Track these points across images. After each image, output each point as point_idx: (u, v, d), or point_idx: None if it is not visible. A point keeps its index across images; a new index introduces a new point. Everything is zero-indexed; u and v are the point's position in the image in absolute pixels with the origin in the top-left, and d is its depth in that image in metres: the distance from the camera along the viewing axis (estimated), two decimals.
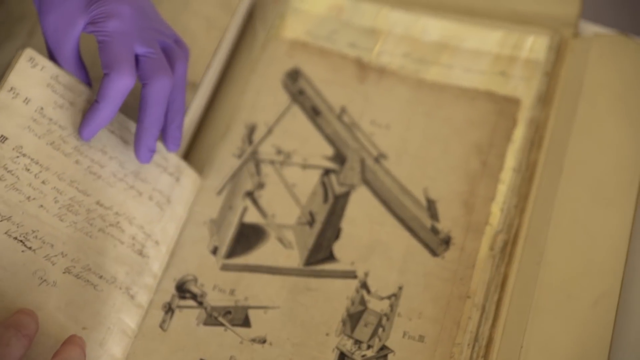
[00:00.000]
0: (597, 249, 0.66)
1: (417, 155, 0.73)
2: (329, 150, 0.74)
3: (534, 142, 0.72)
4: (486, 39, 0.78)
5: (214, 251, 0.69)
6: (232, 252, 0.69)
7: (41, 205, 0.62)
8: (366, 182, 0.72)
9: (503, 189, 0.70)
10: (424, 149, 0.73)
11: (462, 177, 0.71)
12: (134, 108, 0.68)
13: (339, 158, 0.73)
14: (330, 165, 0.73)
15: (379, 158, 0.73)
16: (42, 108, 0.64)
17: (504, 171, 0.71)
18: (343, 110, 0.75)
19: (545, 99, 0.74)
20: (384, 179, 0.72)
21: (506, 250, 0.68)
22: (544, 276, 0.65)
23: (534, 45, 0.77)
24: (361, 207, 0.71)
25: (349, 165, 0.73)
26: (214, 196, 0.72)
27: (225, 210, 0.71)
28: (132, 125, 0.69)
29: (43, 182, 0.63)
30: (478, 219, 0.69)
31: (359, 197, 0.71)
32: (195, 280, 0.68)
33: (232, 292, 0.67)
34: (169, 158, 0.70)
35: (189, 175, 0.72)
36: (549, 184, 0.70)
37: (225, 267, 0.69)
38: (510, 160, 0.71)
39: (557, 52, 0.76)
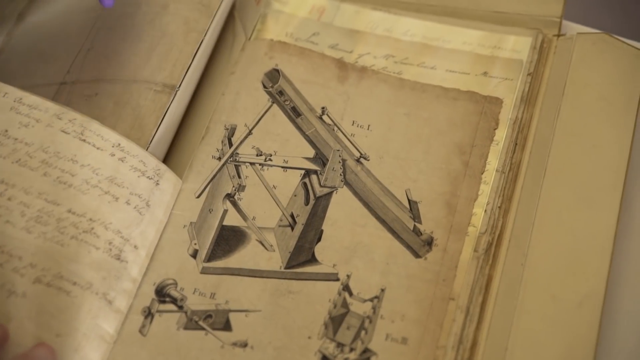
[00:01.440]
0: (582, 249, 0.66)
1: (398, 156, 0.72)
2: (310, 152, 0.73)
3: (518, 142, 0.72)
4: (468, 40, 0.78)
5: (194, 254, 0.69)
6: (213, 255, 0.69)
7: (7, 221, 0.63)
8: (348, 183, 0.72)
9: (486, 190, 0.70)
10: (406, 150, 0.73)
11: (444, 177, 0.71)
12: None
13: (320, 159, 0.73)
14: (311, 166, 0.72)
15: (361, 159, 0.73)
16: (6, 130, 0.67)
17: (487, 172, 0.71)
18: (324, 111, 0.75)
19: (528, 99, 0.74)
20: (366, 180, 0.72)
21: (490, 251, 0.67)
22: (529, 277, 0.65)
23: (517, 45, 0.77)
24: (343, 209, 0.70)
25: (330, 166, 0.72)
26: (194, 199, 0.71)
27: (205, 213, 0.71)
28: (104, 131, 0.69)
29: (9, 199, 0.64)
30: (461, 219, 0.69)
31: (341, 198, 0.71)
32: (175, 284, 0.67)
33: (212, 295, 0.67)
34: (147, 162, 0.70)
35: (169, 178, 0.71)
36: (533, 184, 0.69)
37: (205, 271, 0.68)
38: (494, 161, 0.71)
39: (540, 52, 0.76)
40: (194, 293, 0.67)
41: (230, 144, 0.74)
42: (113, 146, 0.69)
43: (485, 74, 0.76)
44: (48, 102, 0.69)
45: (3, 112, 0.67)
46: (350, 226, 0.70)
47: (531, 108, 0.74)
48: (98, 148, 0.68)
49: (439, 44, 0.79)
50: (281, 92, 0.75)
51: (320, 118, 0.75)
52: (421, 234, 0.69)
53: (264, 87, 0.76)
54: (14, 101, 0.68)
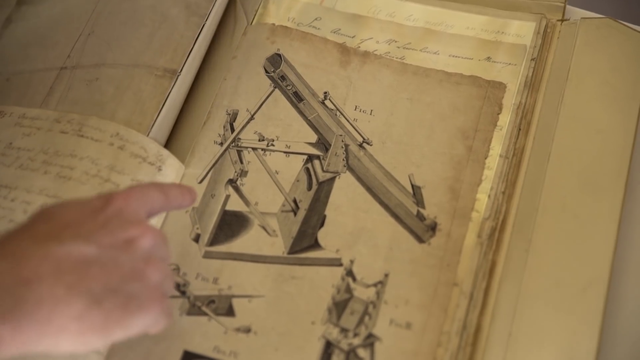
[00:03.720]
0: (586, 235, 0.66)
1: (401, 141, 0.72)
2: (313, 137, 0.73)
3: (521, 128, 0.72)
4: (472, 25, 0.78)
5: (197, 239, 0.68)
6: (215, 240, 0.68)
7: (11, 220, 0.65)
8: (351, 168, 0.71)
9: (490, 175, 0.69)
10: (409, 135, 0.72)
11: (447, 162, 0.71)
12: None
13: (323, 144, 0.72)
14: (314, 151, 0.72)
15: (363, 144, 0.72)
16: (10, 143, 0.70)
17: (491, 157, 0.70)
18: (326, 95, 0.74)
19: (532, 84, 0.74)
20: (369, 165, 0.71)
21: (494, 237, 0.67)
22: (533, 263, 0.65)
23: (521, 30, 0.77)
24: (346, 194, 0.70)
25: (332, 151, 0.72)
26: (196, 184, 0.71)
27: (207, 198, 0.70)
28: (102, 123, 0.70)
29: (12, 200, 0.66)
30: (464, 204, 0.68)
31: (344, 183, 0.71)
32: (178, 269, 0.67)
33: (215, 280, 0.66)
34: (148, 148, 0.70)
35: (171, 164, 0.71)
36: (536, 170, 0.69)
37: (208, 255, 0.68)
38: (497, 146, 0.71)
39: (544, 37, 0.76)
40: (196, 278, 0.67)
41: (232, 129, 0.73)
42: (111, 136, 0.69)
43: (488, 59, 0.76)
44: (48, 111, 0.71)
45: (8, 128, 0.70)
46: (354, 211, 0.69)
47: (535, 93, 0.73)
48: (96, 140, 0.69)
49: (442, 28, 0.78)
50: (283, 77, 0.75)
51: (323, 103, 0.74)
52: (425, 218, 0.68)
53: (266, 71, 0.76)
54: (18, 117, 0.71)
